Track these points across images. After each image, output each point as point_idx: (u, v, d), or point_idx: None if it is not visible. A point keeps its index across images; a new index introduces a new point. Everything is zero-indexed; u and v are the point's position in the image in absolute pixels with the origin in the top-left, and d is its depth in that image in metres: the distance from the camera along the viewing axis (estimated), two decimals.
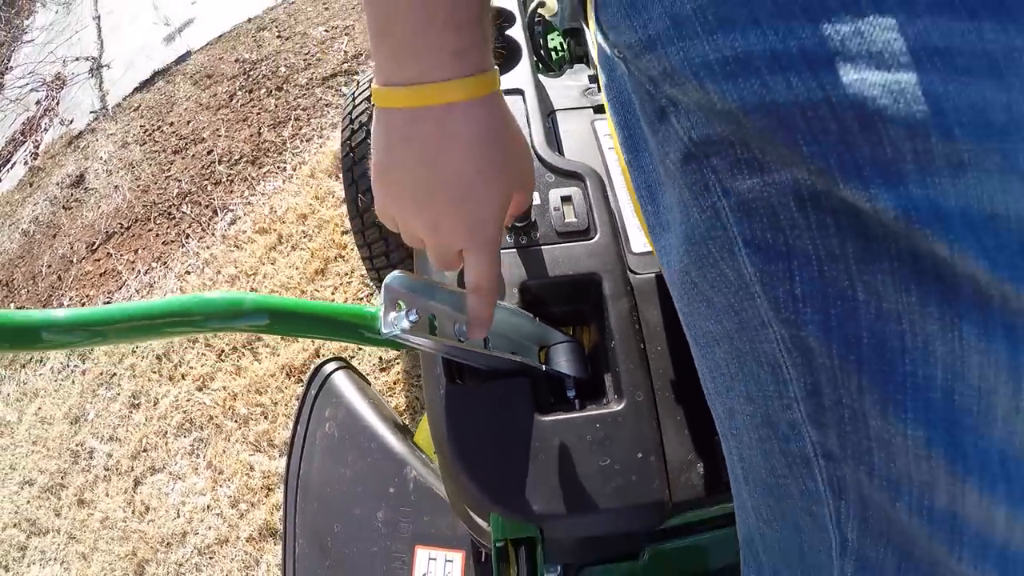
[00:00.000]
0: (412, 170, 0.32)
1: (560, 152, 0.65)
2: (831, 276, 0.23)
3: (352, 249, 1.31)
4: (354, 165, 0.93)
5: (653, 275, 0.47)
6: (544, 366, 0.43)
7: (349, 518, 0.67)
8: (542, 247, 0.48)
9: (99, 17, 2.71)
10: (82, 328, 0.41)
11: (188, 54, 2.18)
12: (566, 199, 0.51)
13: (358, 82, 1.00)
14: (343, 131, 0.96)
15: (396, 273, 0.35)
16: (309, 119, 1.73)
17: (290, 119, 1.75)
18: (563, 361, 0.43)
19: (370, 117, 0.93)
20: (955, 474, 0.22)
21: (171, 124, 1.86)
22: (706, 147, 0.26)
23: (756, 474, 0.28)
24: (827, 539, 0.25)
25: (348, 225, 1.36)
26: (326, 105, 1.78)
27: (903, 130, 0.21)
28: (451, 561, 0.60)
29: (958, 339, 0.21)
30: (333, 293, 1.23)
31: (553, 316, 0.46)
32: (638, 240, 0.51)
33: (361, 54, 2.01)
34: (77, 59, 2.43)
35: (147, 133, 1.86)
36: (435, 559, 0.61)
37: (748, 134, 0.24)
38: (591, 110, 0.74)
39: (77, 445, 1.18)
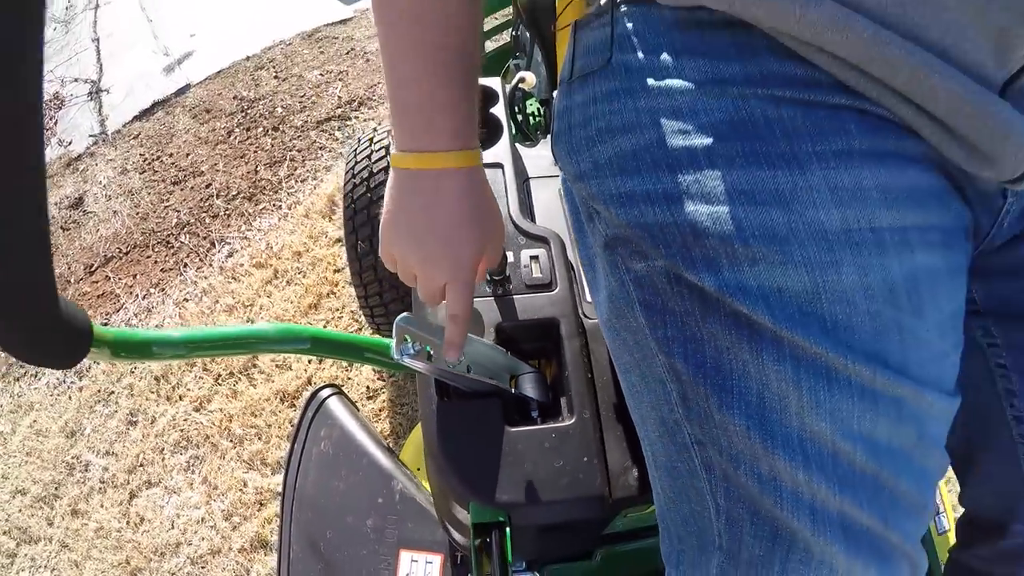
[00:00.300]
0: (414, 215, 0.44)
1: (532, 218, 0.80)
2: (687, 325, 0.37)
3: (342, 286, 1.44)
4: (355, 215, 1.05)
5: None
6: (513, 390, 0.56)
7: (341, 525, 0.79)
8: (514, 296, 0.62)
9: (98, 40, 2.80)
10: (182, 345, 0.51)
11: (187, 87, 2.29)
12: (534, 258, 0.65)
13: (358, 139, 1.14)
14: (345, 184, 1.08)
15: (404, 315, 0.49)
16: (304, 161, 1.86)
17: (286, 159, 1.88)
18: (529, 387, 0.56)
19: (370, 174, 1.08)
20: (768, 449, 0.33)
21: (170, 155, 1.96)
22: (615, 242, 0.41)
23: (660, 462, 0.40)
24: (707, 505, 0.36)
25: (340, 264, 1.50)
26: (320, 148, 1.91)
27: (718, 240, 0.35)
28: (431, 563, 0.72)
29: (762, 364, 0.34)
30: (325, 326, 1.35)
31: (522, 351, 0.60)
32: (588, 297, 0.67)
33: (354, 100, 2.15)
34: (76, 80, 2.52)
35: (147, 162, 1.96)
36: (416, 561, 0.74)
37: (635, 239, 0.39)
38: (559, 179, 0.91)
39: (72, 458, 1.26)
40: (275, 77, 2.33)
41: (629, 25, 0.42)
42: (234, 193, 1.77)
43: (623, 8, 0.43)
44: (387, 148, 1.09)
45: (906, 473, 0.35)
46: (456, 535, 0.61)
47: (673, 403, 0.38)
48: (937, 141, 0.36)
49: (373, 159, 1.07)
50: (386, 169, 1.06)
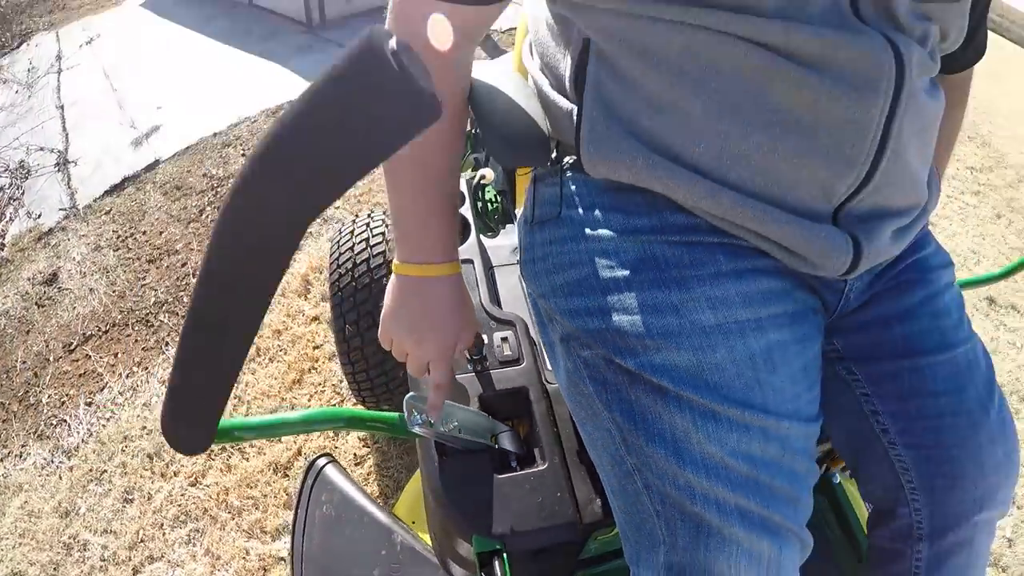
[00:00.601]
0: (412, 310, 0.61)
1: (499, 303, 1.00)
2: (621, 391, 0.53)
3: (323, 362, 1.59)
4: (342, 302, 1.20)
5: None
6: (497, 446, 0.73)
7: None
8: (491, 371, 0.80)
9: (63, 107, 2.86)
10: (258, 430, 0.64)
11: (157, 163, 2.40)
12: (504, 339, 0.84)
13: (339, 231, 1.29)
14: (331, 275, 1.23)
15: (411, 394, 0.67)
16: None
17: None
18: (507, 442, 0.74)
19: (353, 265, 1.25)
20: (682, 469, 0.49)
21: (144, 232, 2.06)
22: (569, 338, 0.58)
23: (614, 487, 0.55)
24: (650, 513, 0.51)
25: (318, 341, 1.64)
26: None
27: (635, 339, 0.52)
28: None
29: (671, 414, 0.50)
30: (309, 400, 1.50)
31: (500, 414, 0.78)
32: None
33: None
34: (42, 149, 2.57)
35: (120, 239, 2.05)
36: None
37: (582, 337, 0.56)
38: (518, 266, 1.10)
39: (70, 538, 1.33)
40: (243, 155, 2.46)
41: (572, 187, 0.60)
42: None
43: (568, 173, 0.61)
44: (367, 240, 1.26)
45: (779, 475, 0.51)
46: (458, 571, 0.79)
47: (617, 444, 0.54)
48: (782, 258, 0.55)
49: (356, 251, 1.22)
50: (367, 260, 1.24)
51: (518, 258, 1.06)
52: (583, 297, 0.57)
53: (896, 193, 0.55)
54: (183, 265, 1.92)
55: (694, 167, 0.52)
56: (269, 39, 3.44)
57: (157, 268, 1.93)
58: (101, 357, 1.70)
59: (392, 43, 0.24)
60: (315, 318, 1.70)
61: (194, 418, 0.45)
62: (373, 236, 1.24)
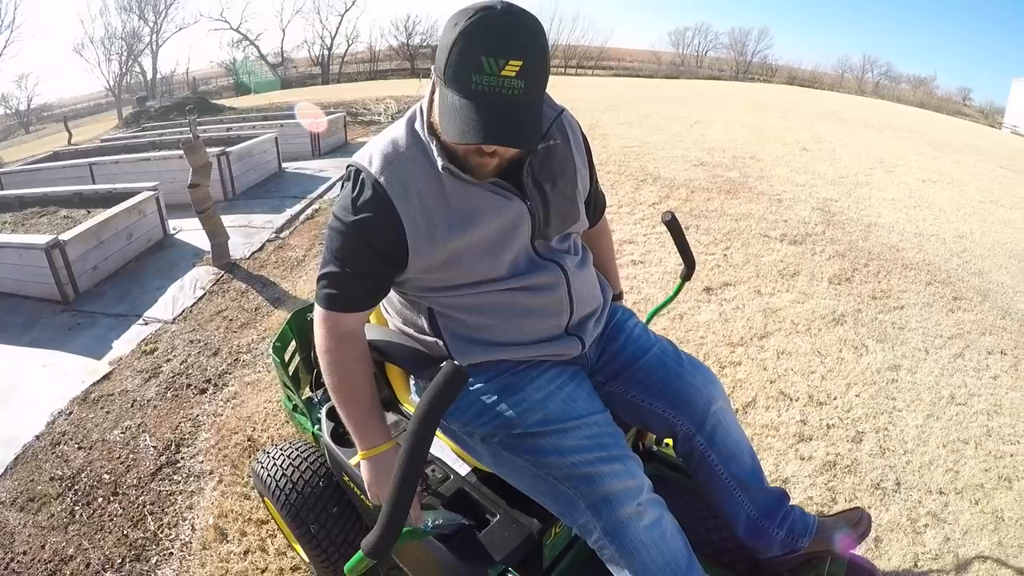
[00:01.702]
0: (378, 475, 1.14)
1: None
2: (521, 443, 1.13)
3: None
4: (299, 512, 1.54)
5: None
6: (466, 523, 1.20)
7: None
8: (435, 490, 1.36)
9: None
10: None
11: None
12: (433, 470, 1.36)
13: (260, 478, 1.67)
14: (277, 499, 1.58)
15: (417, 526, 1.14)
16: (164, 509, 2.21)
17: (144, 516, 2.21)
18: (462, 520, 1.21)
19: (291, 488, 1.57)
20: (568, 467, 1.08)
21: (24, 553, 2.13)
22: (484, 437, 1.18)
23: (542, 492, 1.12)
24: (571, 496, 1.07)
25: (262, 566, 2.14)
26: (170, 495, 2.28)
27: (514, 420, 1.13)
28: None
29: (544, 438, 1.11)
30: None
31: (452, 507, 1.25)
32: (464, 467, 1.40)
33: (169, 445, 2.57)
34: None
35: (2, 568, 2.10)
36: None
37: (490, 434, 1.18)
38: None
39: None
40: (79, 448, 2.61)
41: None
42: (119, 561, 2.12)
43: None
44: (292, 465, 1.65)
45: (605, 437, 1.10)
46: None
47: (532, 469, 1.09)
48: (556, 356, 1.19)
49: (289, 474, 1.59)
50: (301, 477, 1.59)
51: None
52: (483, 416, 1.14)
53: (586, 310, 1.21)
54: (87, 566, 2.11)
55: (506, 344, 1.15)
56: (32, 326, 3.56)
57: None
58: None
59: (450, 365, 0.80)
60: (248, 551, 2.13)
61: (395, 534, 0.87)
62: (292, 461, 1.63)
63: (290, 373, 1.89)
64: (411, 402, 1.39)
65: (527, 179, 1.11)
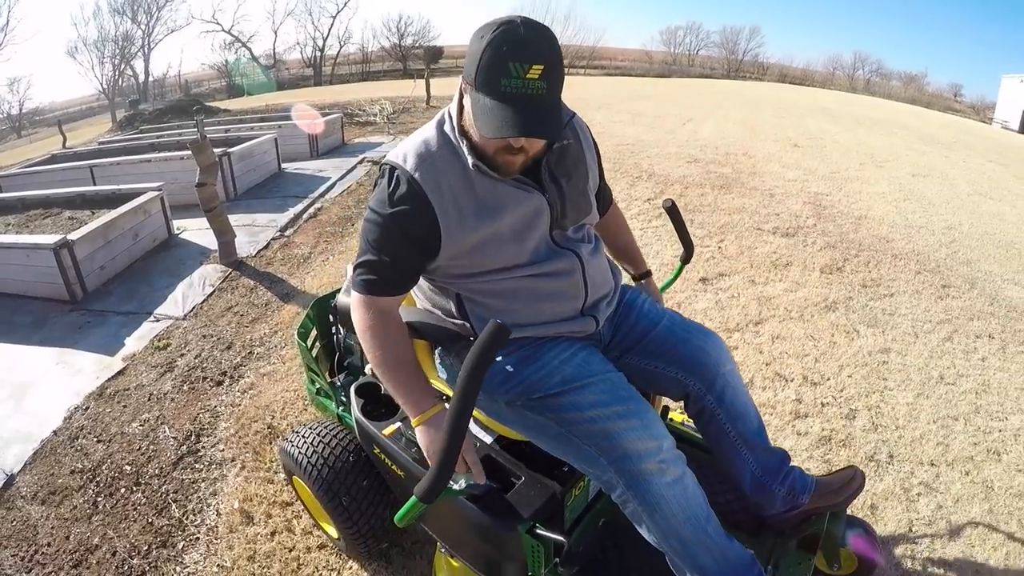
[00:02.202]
0: (434, 435, 1.16)
1: None
2: (543, 405, 1.24)
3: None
4: (331, 486, 1.64)
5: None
6: (492, 485, 1.26)
7: None
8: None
9: None
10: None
11: (12, 478, 2.51)
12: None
13: (292, 457, 1.76)
14: (309, 475, 1.68)
15: (456, 485, 1.18)
16: (187, 497, 2.26)
17: (168, 504, 2.25)
18: (492, 483, 1.27)
19: (323, 463, 1.73)
20: (588, 423, 1.17)
21: (48, 544, 2.20)
22: (508, 402, 1.30)
23: (566, 451, 1.22)
24: (584, 446, 1.17)
25: (293, 546, 2.21)
26: (192, 483, 2.32)
27: (536, 384, 1.25)
28: None
29: (565, 398, 1.21)
30: None
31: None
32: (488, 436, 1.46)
33: (190, 435, 2.64)
34: None
35: (27, 561, 2.17)
36: None
37: (514, 398, 1.30)
38: None
39: None
40: (99, 441, 2.68)
41: None
42: (145, 548, 2.12)
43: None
44: (323, 443, 1.74)
45: (622, 390, 1.20)
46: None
47: (555, 428, 1.19)
48: (574, 333, 1.30)
49: (320, 452, 1.68)
50: (331, 454, 1.69)
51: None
52: (507, 383, 1.24)
53: (600, 293, 1.31)
54: (113, 554, 2.13)
55: (527, 325, 1.24)
56: (41, 326, 3.62)
57: (88, 568, 2.14)
58: None
59: (494, 323, 0.89)
60: (273, 532, 2.22)
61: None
62: (323, 439, 1.72)
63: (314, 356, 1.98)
64: (437, 378, 1.47)
65: (545, 175, 1.22)
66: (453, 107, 1.20)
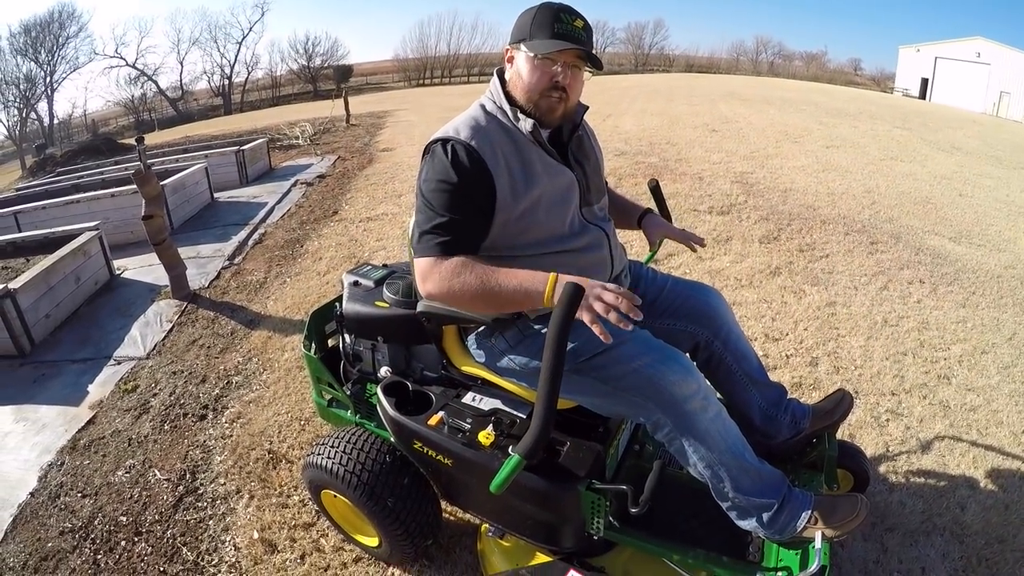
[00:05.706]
0: (573, 303, 1.06)
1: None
2: (591, 365, 1.32)
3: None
4: (371, 492, 1.61)
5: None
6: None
7: None
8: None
9: None
10: None
11: None
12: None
13: (322, 456, 1.92)
14: (345, 481, 1.61)
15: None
16: (197, 537, 2.15)
17: (178, 548, 2.12)
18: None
19: (354, 466, 1.62)
20: (630, 371, 1.27)
21: None
22: (578, 368, 1.34)
23: (618, 404, 1.33)
24: (631, 398, 1.28)
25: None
26: (199, 522, 2.22)
27: (579, 350, 1.33)
28: None
29: (606, 357, 1.30)
30: None
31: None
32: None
33: (181, 477, 2.49)
34: None
35: None
36: None
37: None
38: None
39: None
40: (83, 495, 2.46)
41: (532, 322, 1.43)
42: None
43: (518, 325, 1.45)
44: (350, 453, 1.70)
45: (658, 345, 1.29)
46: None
47: (604, 386, 1.29)
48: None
49: (353, 458, 1.65)
50: (363, 463, 1.64)
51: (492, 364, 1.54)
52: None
53: (620, 267, 1.47)
54: None
55: None
56: None
57: None
58: None
59: (571, 284, 1.02)
60: (304, 555, 2.17)
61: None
62: (355, 445, 1.69)
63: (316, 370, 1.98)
64: (470, 364, 1.54)
65: (571, 157, 1.40)
66: (494, 85, 1.38)
